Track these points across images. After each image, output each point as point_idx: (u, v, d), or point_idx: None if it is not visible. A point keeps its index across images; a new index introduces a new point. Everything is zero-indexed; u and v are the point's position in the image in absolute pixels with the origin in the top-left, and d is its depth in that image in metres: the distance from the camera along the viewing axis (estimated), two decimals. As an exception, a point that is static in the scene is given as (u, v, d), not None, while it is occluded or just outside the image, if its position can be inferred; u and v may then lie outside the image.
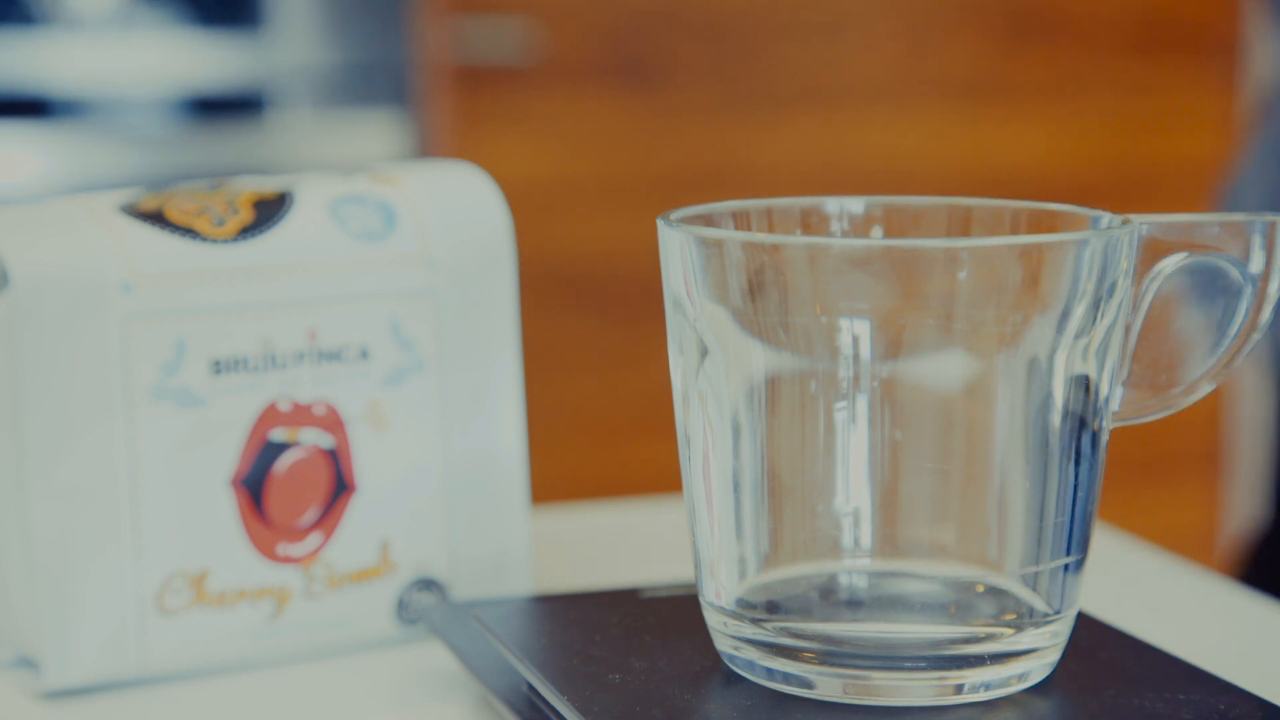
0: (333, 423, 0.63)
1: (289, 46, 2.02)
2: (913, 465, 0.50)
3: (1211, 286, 0.54)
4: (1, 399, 0.60)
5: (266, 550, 0.62)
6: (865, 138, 2.16)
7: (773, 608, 0.52)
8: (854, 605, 0.52)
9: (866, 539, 0.51)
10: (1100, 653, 0.55)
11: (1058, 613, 0.52)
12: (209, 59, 2.01)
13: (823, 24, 2.14)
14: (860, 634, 0.51)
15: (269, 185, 0.64)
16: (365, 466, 0.63)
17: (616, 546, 0.78)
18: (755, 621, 0.52)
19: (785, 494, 0.51)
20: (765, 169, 2.15)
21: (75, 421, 0.59)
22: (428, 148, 2.02)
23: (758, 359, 0.50)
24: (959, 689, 0.50)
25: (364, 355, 0.63)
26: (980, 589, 0.51)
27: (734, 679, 0.52)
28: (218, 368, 0.61)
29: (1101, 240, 0.49)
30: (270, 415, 0.62)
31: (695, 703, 0.51)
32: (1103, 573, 0.68)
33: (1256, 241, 0.53)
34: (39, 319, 0.59)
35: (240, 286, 0.61)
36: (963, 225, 0.56)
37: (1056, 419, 0.50)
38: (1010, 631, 0.51)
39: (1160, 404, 0.55)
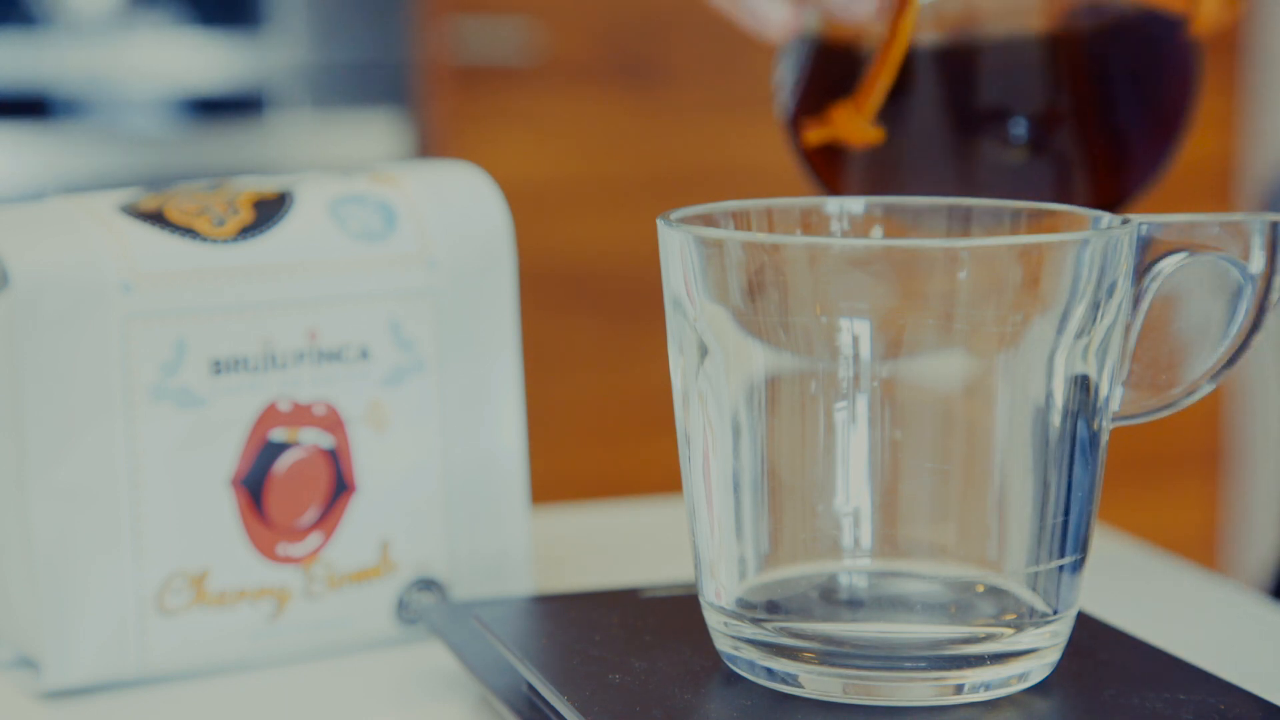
0: (333, 423, 0.63)
1: (288, 46, 2.02)
2: (913, 465, 0.50)
3: (1211, 286, 0.54)
4: (1, 399, 0.60)
5: (266, 550, 0.62)
6: (865, 138, 2.16)
7: (773, 608, 0.52)
8: (854, 605, 0.52)
9: (866, 539, 0.51)
10: (1100, 653, 0.55)
11: (1057, 613, 0.52)
12: (208, 59, 2.01)
13: (823, 24, 2.14)
14: (860, 634, 0.51)
15: (269, 185, 0.64)
16: (365, 466, 0.63)
17: (616, 546, 0.78)
18: (755, 621, 0.52)
19: (785, 494, 0.51)
20: (765, 169, 2.15)
21: (75, 421, 0.59)
22: (427, 148, 2.03)
23: (758, 359, 0.50)
24: (959, 689, 0.50)
25: (364, 355, 0.63)
26: (980, 589, 0.51)
27: (734, 679, 0.52)
28: (218, 368, 0.61)
29: (1101, 240, 0.49)
30: (270, 415, 0.62)
31: (695, 703, 0.51)
32: (1103, 573, 0.68)
33: (1256, 241, 0.53)
34: (39, 319, 0.59)
35: (240, 286, 0.61)
36: (963, 225, 0.56)
37: (1056, 419, 0.50)
38: (1010, 631, 0.51)
39: (1160, 404, 0.55)
